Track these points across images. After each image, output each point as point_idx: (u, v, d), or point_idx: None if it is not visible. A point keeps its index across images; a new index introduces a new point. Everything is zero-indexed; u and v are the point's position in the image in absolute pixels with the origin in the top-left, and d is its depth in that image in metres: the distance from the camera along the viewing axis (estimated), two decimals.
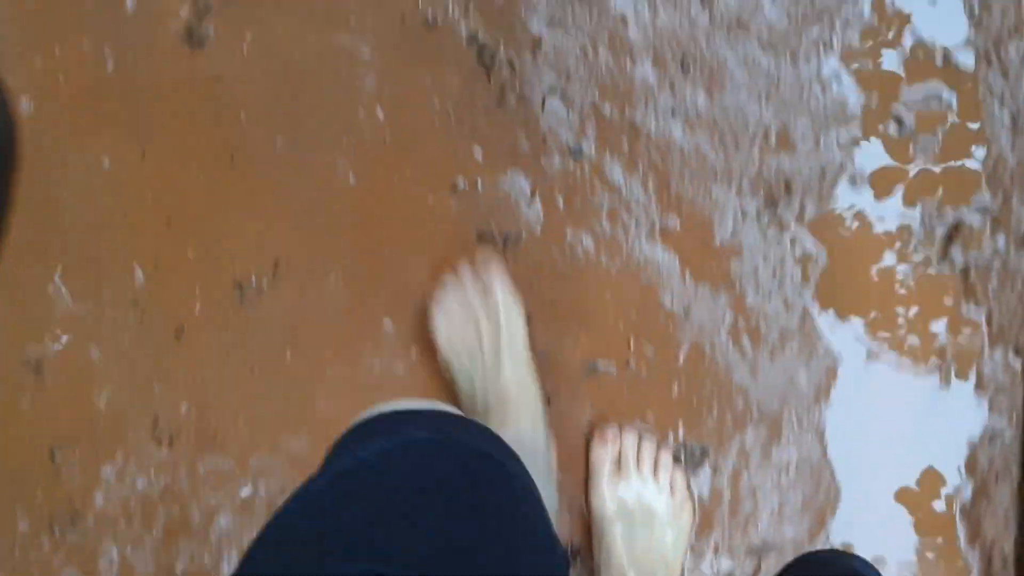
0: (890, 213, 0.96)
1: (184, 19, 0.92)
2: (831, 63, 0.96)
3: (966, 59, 0.97)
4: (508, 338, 0.91)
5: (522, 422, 0.88)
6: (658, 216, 0.96)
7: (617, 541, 0.91)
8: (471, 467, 0.48)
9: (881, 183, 0.96)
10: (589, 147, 0.95)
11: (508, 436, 0.78)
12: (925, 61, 0.96)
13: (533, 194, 0.95)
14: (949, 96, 0.97)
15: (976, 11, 0.97)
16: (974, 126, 0.97)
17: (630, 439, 0.94)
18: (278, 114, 0.93)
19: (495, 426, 0.85)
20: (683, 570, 0.94)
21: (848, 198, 0.96)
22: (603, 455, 0.94)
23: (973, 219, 0.97)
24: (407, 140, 0.94)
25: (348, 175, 0.94)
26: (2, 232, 0.41)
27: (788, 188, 0.96)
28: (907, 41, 0.96)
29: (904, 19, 0.97)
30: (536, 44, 0.94)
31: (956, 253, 0.97)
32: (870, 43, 0.96)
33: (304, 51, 0.94)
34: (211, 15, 0.93)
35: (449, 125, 0.94)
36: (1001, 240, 0.97)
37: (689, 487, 0.95)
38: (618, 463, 0.93)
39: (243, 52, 0.93)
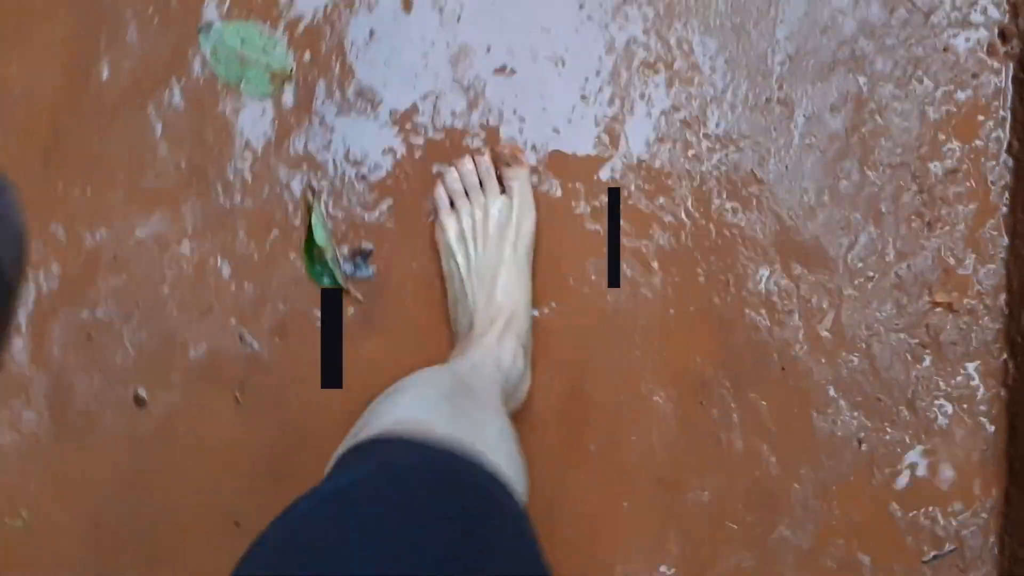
0: None
1: None
2: None
3: None
4: (513, 243, 0.87)
5: (504, 352, 0.84)
6: None
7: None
8: (460, 499, 0.46)
9: None
10: None
11: (486, 371, 0.80)
12: None
13: None
14: None
15: None
16: None
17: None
18: None
19: (471, 349, 0.83)
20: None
21: None
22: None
23: None
24: None
25: None
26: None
27: None
28: None
29: None
30: None
31: None
32: None
33: None
34: None
35: None
36: None
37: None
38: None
39: None
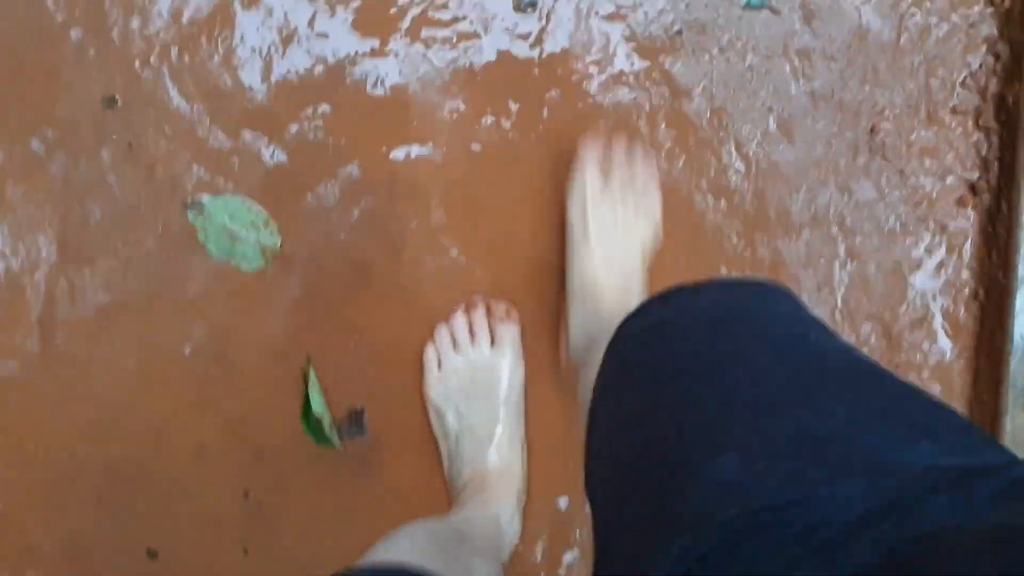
0: None
1: None
2: None
3: None
4: (506, 398, 0.91)
5: (503, 513, 0.88)
6: None
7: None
8: None
9: None
10: None
11: (480, 525, 0.84)
12: None
13: None
14: None
15: None
16: None
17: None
18: None
19: (468, 505, 0.87)
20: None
21: None
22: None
23: None
24: None
25: None
26: None
27: None
28: None
29: None
30: None
31: None
32: None
33: None
34: None
35: None
36: None
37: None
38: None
39: None
